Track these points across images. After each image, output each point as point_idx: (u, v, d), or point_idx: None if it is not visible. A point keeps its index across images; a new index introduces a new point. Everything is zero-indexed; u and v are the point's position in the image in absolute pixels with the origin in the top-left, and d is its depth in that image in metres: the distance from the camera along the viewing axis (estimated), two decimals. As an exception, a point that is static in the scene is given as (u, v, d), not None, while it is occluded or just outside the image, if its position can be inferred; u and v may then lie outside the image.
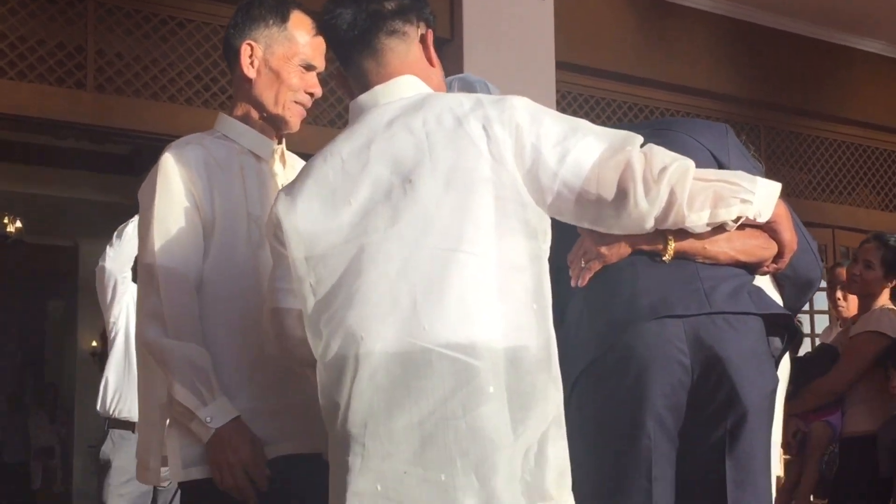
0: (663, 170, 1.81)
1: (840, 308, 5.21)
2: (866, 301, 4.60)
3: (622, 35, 6.08)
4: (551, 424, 1.80)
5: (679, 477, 2.01)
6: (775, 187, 1.94)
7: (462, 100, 1.89)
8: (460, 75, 2.69)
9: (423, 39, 2.01)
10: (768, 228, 1.98)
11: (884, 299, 4.54)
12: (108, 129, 5.00)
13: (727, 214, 1.88)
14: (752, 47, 6.50)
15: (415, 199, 1.82)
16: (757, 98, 6.57)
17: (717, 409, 1.98)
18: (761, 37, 6.55)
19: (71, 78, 4.79)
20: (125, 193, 9.81)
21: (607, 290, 1.98)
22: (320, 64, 2.44)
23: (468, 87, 2.55)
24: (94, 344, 11.96)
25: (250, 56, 2.38)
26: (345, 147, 1.92)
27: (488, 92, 2.43)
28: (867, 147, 7.28)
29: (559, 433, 1.82)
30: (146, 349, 2.26)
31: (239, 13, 2.44)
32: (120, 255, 4.51)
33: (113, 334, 4.58)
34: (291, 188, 1.97)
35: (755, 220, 1.93)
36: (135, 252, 4.27)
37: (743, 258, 2.00)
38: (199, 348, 2.22)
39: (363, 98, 1.97)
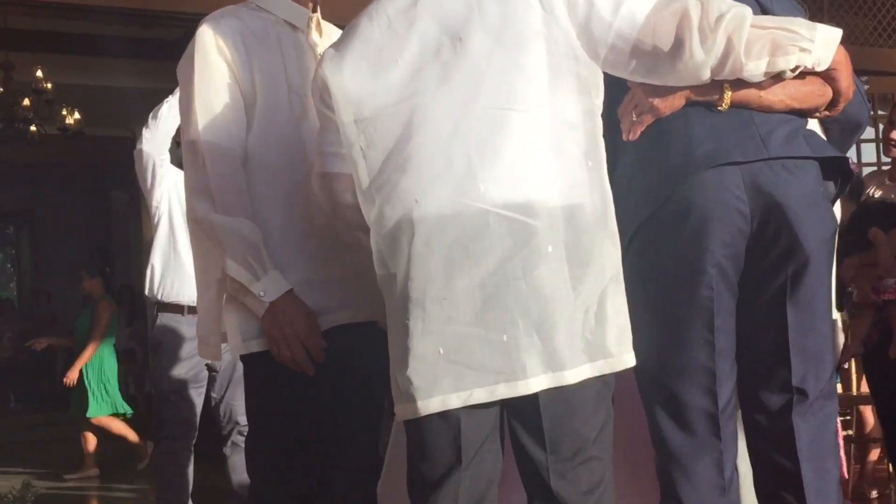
0: (720, 18, 1.77)
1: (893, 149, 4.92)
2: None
3: None
4: (610, 282, 1.79)
5: (740, 326, 1.99)
6: (835, 34, 1.88)
7: None
8: None
9: None
10: (826, 76, 1.92)
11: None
12: (156, 13, 4.98)
13: (785, 63, 1.83)
14: None
15: (465, 57, 1.79)
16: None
17: (777, 256, 1.95)
18: None
19: (114, -38, 4.75)
20: (176, 80, 9.82)
21: (661, 142, 1.93)
22: None
23: None
24: (158, 233, 12.16)
25: None
26: (390, 5, 1.88)
27: None
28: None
29: (618, 290, 1.81)
30: (197, 226, 2.27)
31: None
32: (156, 135, 4.44)
33: (156, 219, 4.56)
34: (337, 49, 1.93)
35: (813, 68, 1.87)
36: (171, 132, 4.28)
37: (797, 105, 1.95)
38: (248, 223, 2.22)
39: None
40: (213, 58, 2.25)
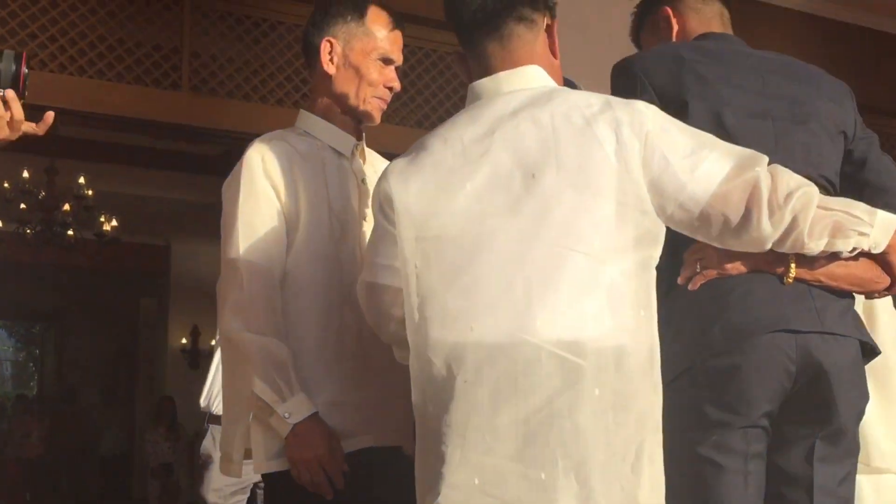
0: (789, 196, 1.83)
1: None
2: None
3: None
4: (649, 432, 1.79)
5: (768, 473, 2.00)
6: (893, 220, 1.94)
7: (591, 99, 1.87)
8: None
9: (548, 29, 1.99)
10: (881, 259, 1.98)
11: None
12: (202, 130, 5.12)
13: (844, 245, 1.89)
14: (836, 46, 6.38)
15: (536, 194, 1.81)
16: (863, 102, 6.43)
17: (813, 419, 2.00)
18: (846, 34, 6.41)
19: (167, 80, 4.92)
20: (217, 194, 9.97)
21: (720, 298, 1.97)
22: (398, 58, 2.46)
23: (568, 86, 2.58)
24: (184, 341, 12.22)
25: (330, 52, 2.40)
26: (466, 131, 1.90)
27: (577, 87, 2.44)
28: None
29: (656, 440, 1.80)
30: (228, 342, 2.30)
31: (318, 11, 2.47)
32: (212, 390, 4.67)
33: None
34: (405, 166, 1.94)
35: (870, 250, 1.94)
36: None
37: (856, 288, 2.02)
38: (279, 343, 2.24)
39: (485, 83, 1.95)
40: (258, 180, 2.31)
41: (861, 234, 1.89)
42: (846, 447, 2.03)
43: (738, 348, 1.94)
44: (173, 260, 12.22)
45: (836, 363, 1.98)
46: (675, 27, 2.28)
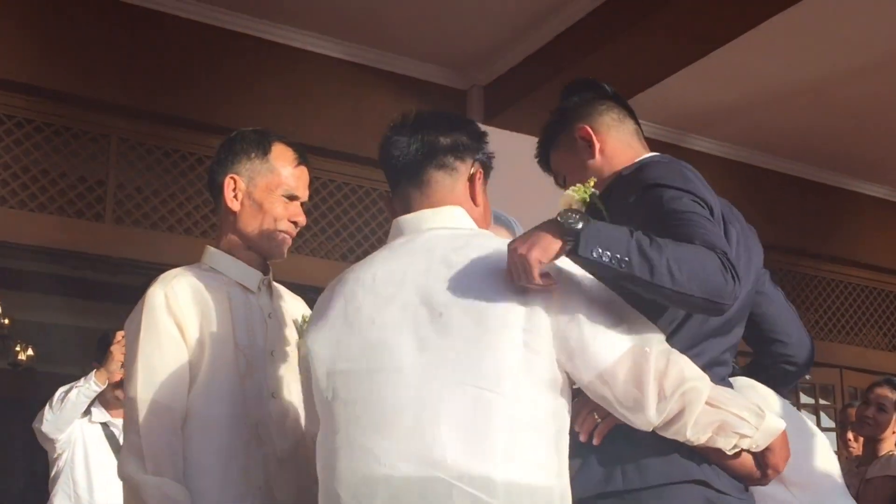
0: (679, 387, 1.81)
1: (851, 448, 5.25)
2: (873, 443, 4.61)
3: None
4: None
5: None
6: (778, 426, 1.95)
7: (501, 252, 1.88)
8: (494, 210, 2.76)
9: (471, 178, 2.04)
10: (758, 455, 2.00)
11: (891, 442, 4.55)
12: (125, 261, 5.09)
13: (724, 444, 1.89)
14: (760, 190, 6.62)
15: (443, 332, 1.83)
16: (765, 241, 6.61)
17: None
18: (769, 180, 6.68)
19: (90, 210, 4.91)
20: (137, 323, 9.86)
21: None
22: (303, 194, 2.47)
23: (497, 222, 2.57)
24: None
25: (233, 189, 2.41)
26: (381, 268, 1.94)
27: (514, 228, 2.47)
28: (874, 289, 7.33)
29: None
30: (124, 483, 2.24)
31: (222, 148, 2.48)
32: (58, 420, 4.61)
33: (55, 469, 4.72)
34: (320, 305, 1.98)
35: (749, 449, 1.96)
36: (74, 418, 4.43)
37: (742, 479, 2.04)
38: (176, 485, 2.20)
39: (407, 219, 2.01)
40: (161, 317, 2.29)
41: (743, 436, 1.90)
42: None
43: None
44: (91, 390, 11.94)
45: None
46: (597, 145, 2.26)
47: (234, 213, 2.42)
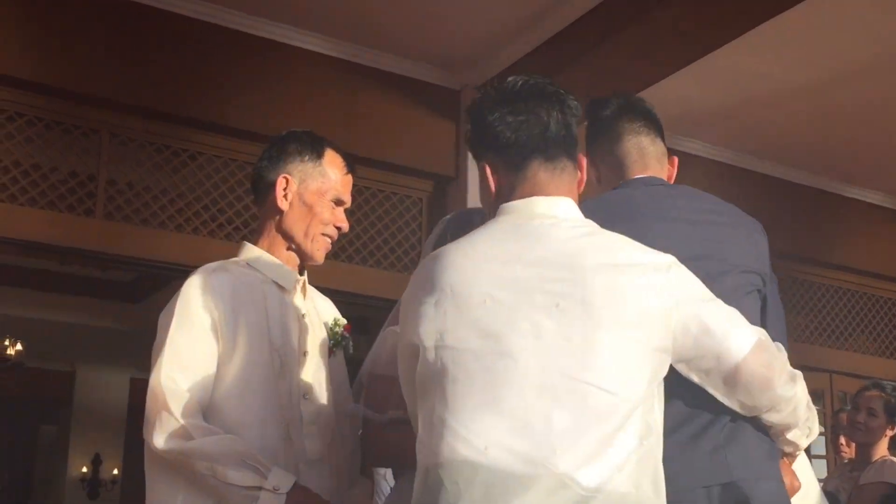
0: (794, 374, 2.04)
1: (843, 453, 5.26)
2: (866, 448, 4.60)
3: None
4: None
5: None
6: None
7: (628, 248, 1.91)
8: (482, 210, 2.77)
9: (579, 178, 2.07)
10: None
11: (883, 447, 4.55)
12: (114, 257, 5.05)
13: (801, 438, 2.14)
14: (751, 195, 6.61)
15: (560, 323, 1.81)
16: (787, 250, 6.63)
17: None
18: (761, 184, 6.67)
19: (81, 205, 4.88)
20: (124, 320, 9.85)
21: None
22: (349, 200, 2.54)
23: (464, 218, 2.64)
24: (84, 470, 11.84)
25: (285, 189, 2.45)
26: (493, 248, 1.92)
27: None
28: (864, 294, 7.34)
29: None
30: (174, 457, 2.23)
31: (274, 147, 2.52)
32: None
33: None
34: (421, 281, 1.94)
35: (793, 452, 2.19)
36: None
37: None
38: (229, 435, 2.22)
39: (519, 204, 1.98)
40: (195, 310, 2.31)
41: (809, 434, 2.13)
42: None
43: None
44: (77, 386, 11.92)
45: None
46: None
47: (281, 212, 2.46)
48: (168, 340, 2.29)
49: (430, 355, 1.85)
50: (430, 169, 5.69)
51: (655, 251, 1.94)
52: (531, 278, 1.85)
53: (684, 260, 1.98)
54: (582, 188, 2.06)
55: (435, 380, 1.85)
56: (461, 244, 1.97)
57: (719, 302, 1.97)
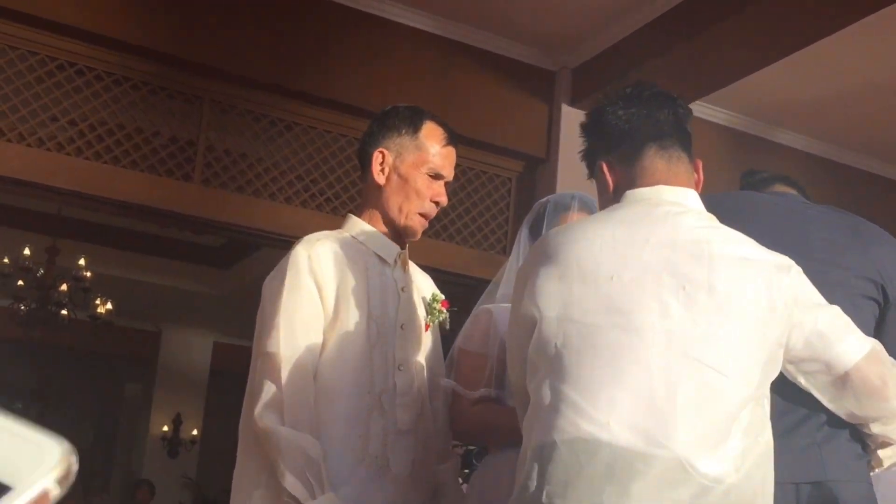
0: None
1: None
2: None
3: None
4: None
5: None
6: None
7: (753, 245, 1.94)
8: (577, 194, 2.80)
9: (696, 167, 2.09)
10: None
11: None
12: (208, 221, 5.16)
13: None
14: (846, 190, 6.49)
15: (687, 306, 1.83)
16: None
17: None
18: (856, 179, 6.55)
19: (180, 170, 4.99)
20: (211, 285, 10.04)
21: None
22: (449, 174, 2.53)
23: (585, 205, 2.68)
24: (166, 429, 12.11)
25: (381, 163, 2.48)
26: (620, 229, 1.94)
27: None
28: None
29: None
30: (261, 435, 2.27)
31: (375, 122, 2.55)
32: None
33: None
34: (539, 257, 1.96)
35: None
36: None
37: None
38: (313, 440, 2.23)
39: (646, 192, 2.01)
40: (304, 277, 2.34)
41: None
42: None
43: None
44: (163, 346, 12.18)
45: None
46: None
47: (379, 186, 2.49)
48: (281, 308, 2.32)
49: (552, 328, 1.86)
50: (521, 149, 5.69)
51: (777, 253, 1.95)
52: (659, 260, 1.87)
53: (801, 260, 1.98)
54: (699, 190, 2.07)
55: (555, 353, 1.85)
56: (586, 224, 1.99)
57: (836, 309, 1.97)
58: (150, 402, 12.32)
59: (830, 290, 2.02)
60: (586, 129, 2.14)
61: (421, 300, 2.57)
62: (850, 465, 2.05)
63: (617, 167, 2.06)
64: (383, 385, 2.38)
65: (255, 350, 2.37)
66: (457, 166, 5.53)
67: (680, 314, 1.82)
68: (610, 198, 2.06)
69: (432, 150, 2.49)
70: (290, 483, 2.19)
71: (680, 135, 2.06)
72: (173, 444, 12.10)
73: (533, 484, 1.78)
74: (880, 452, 2.09)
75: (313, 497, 2.18)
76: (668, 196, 1.99)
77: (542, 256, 1.96)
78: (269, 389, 2.27)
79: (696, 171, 2.08)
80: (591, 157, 2.13)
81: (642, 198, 2.00)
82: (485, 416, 2.56)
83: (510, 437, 1.96)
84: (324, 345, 2.34)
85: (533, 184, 5.69)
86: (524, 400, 1.96)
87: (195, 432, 12.25)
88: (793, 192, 2.50)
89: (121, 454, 13.57)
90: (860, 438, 2.07)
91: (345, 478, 2.28)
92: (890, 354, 2.07)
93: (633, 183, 2.03)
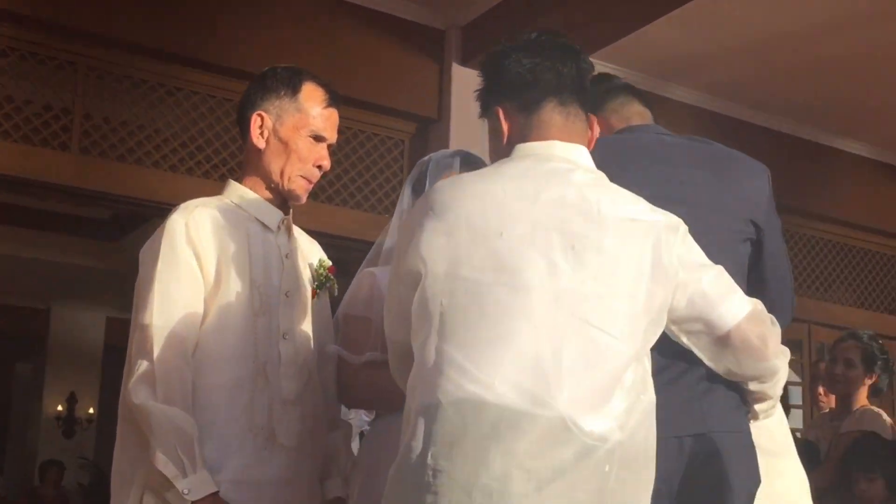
0: (783, 348, 2.08)
1: (821, 403, 5.30)
2: (846, 398, 4.62)
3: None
4: None
5: None
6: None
7: (642, 205, 1.94)
8: (461, 151, 2.76)
9: (591, 124, 2.08)
10: None
11: (863, 396, 4.56)
12: (91, 193, 4.98)
13: (771, 407, 2.22)
14: (733, 143, 6.55)
15: (576, 266, 1.83)
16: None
17: (707, 500, 2.06)
18: (743, 132, 6.63)
19: (56, 140, 4.79)
20: (102, 259, 9.78)
21: None
22: (332, 136, 2.46)
23: (469, 162, 2.64)
24: (60, 409, 11.83)
25: (260, 126, 2.41)
26: (510, 184, 1.91)
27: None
28: (845, 245, 7.34)
29: None
30: (134, 411, 2.21)
31: (253, 84, 2.48)
32: None
33: None
34: (426, 210, 1.92)
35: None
36: None
37: None
38: (186, 416, 2.18)
39: (537, 146, 1.99)
40: (180, 246, 2.28)
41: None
42: None
43: None
44: (52, 324, 11.87)
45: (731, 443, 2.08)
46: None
47: (259, 150, 2.42)
48: (156, 279, 2.26)
49: (438, 284, 1.84)
50: (412, 110, 5.62)
51: (666, 211, 1.96)
52: (548, 218, 1.86)
53: (675, 204, 2.00)
54: (591, 147, 2.06)
55: (441, 311, 1.82)
56: (476, 179, 1.97)
57: (719, 268, 2.00)
58: (43, 381, 12.04)
59: (708, 237, 2.03)
60: (486, 70, 2.10)
61: (307, 267, 2.52)
62: (729, 416, 2.10)
63: (514, 115, 2.04)
64: (267, 355, 2.33)
65: (132, 323, 2.30)
66: (348, 129, 5.49)
67: (568, 274, 1.82)
68: (502, 148, 2.04)
69: (313, 111, 2.43)
70: (161, 462, 2.13)
71: (580, 91, 2.05)
72: (68, 423, 11.87)
73: (419, 445, 1.76)
74: (756, 407, 2.16)
75: (185, 476, 2.13)
76: (559, 152, 1.98)
77: (428, 210, 1.92)
78: (142, 364, 2.21)
79: (591, 127, 2.07)
80: (486, 99, 2.10)
81: (533, 152, 1.98)
82: (373, 380, 2.53)
83: (400, 401, 1.90)
84: (205, 315, 2.29)
85: (426, 145, 5.61)
86: (401, 353, 1.96)
87: (91, 411, 12.01)
88: (648, 115, 2.48)
89: (15, 436, 13.23)
90: (737, 388, 2.12)
91: (233, 450, 2.24)
92: (760, 290, 2.16)
93: (527, 135, 2.01)
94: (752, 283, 2.27)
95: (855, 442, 4.36)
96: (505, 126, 2.03)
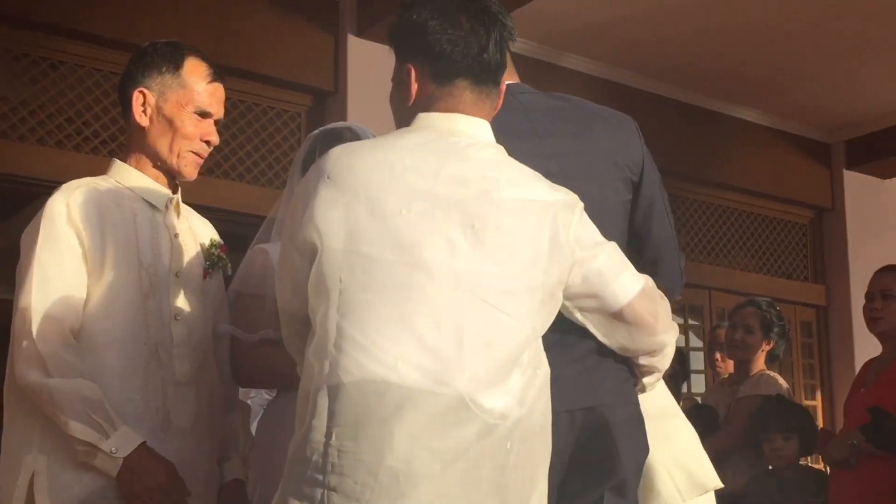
0: (672, 324, 2.12)
1: (719, 369, 5.37)
2: (745, 363, 4.69)
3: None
4: (538, 487, 1.87)
5: None
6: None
7: (540, 184, 1.93)
8: (350, 124, 2.76)
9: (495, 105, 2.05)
10: None
11: (761, 362, 4.65)
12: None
13: (656, 381, 2.24)
14: (628, 111, 6.56)
15: (476, 245, 1.82)
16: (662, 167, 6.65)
17: (597, 471, 2.09)
18: (641, 101, 6.66)
19: (-69, 117, 4.58)
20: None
21: None
22: (218, 111, 2.41)
23: (358, 136, 2.60)
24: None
25: (143, 104, 2.36)
26: (409, 158, 1.87)
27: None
28: (742, 211, 7.45)
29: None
30: (29, 392, 2.16)
31: (133, 60, 2.41)
32: None
33: None
34: (321, 176, 1.86)
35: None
36: None
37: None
38: (86, 382, 2.15)
39: (439, 118, 1.95)
40: (60, 227, 2.23)
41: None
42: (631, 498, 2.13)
43: None
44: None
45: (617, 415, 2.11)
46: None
47: (142, 128, 2.36)
48: (35, 261, 2.21)
49: (337, 259, 1.81)
50: (308, 82, 5.51)
51: (564, 189, 1.96)
52: (449, 195, 1.84)
53: (561, 175, 2.02)
54: (496, 113, 2.04)
55: (340, 287, 1.79)
56: (374, 149, 1.92)
57: (613, 245, 2.02)
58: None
59: (590, 209, 2.01)
60: (406, 22, 2.00)
61: (199, 246, 2.47)
62: (618, 389, 2.14)
63: (425, 79, 1.98)
64: (159, 336, 2.29)
65: (13, 306, 2.25)
66: (242, 102, 5.36)
67: (467, 254, 1.81)
68: (406, 110, 1.99)
69: (197, 87, 2.37)
70: (78, 430, 2.10)
71: (497, 69, 2.01)
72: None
73: (321, 424, 1.74)
74: (644, 380, 2.20)
75: (107, 436, 2.11)
76: (460, 126, 1.95)
77: (324, 178, 1.87)
78: (26, 346, 2.17)
79: (500, 96, 2.05)
80: (398, 46, 2.02)
81: (432, 124, 1.95)
82: (268, 358, 2.51)
83: (296, 379, 1.85)
84: (90, 297, 2.24)
85: (323, 118, 5.51)
86: (294, 325, 1.94)
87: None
88: (514, 73, 2.36)
89: None
90: (626, 361, 2.15)
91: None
92: (641, 250, 2.26)
93: (432, 104, 1.97)
94: (633, 241, 2.28)
95: (767, 402, 4.45)
96: (413, 88, 1.98)
